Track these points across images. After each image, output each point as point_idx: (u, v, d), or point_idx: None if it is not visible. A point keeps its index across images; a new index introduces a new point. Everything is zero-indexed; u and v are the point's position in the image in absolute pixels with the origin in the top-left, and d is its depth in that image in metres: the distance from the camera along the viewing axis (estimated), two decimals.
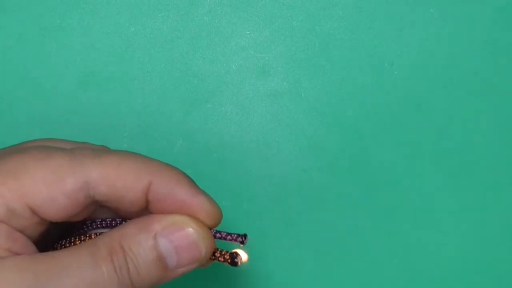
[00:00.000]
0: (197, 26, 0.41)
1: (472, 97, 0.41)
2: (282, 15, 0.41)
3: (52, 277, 0.26)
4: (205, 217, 0.29)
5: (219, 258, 0.29)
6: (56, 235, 0.31)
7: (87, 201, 0.28)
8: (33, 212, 0.28)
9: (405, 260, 0.41)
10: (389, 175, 0.41)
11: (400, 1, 0.41)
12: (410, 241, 0.41)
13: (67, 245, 0.30)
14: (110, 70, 0.41)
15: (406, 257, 0.41)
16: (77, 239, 0.30)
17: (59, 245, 0.30)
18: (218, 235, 0.30)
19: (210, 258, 0.29)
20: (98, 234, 0.29)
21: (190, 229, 0.28)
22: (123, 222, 0.30)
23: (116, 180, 0.28)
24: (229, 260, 0.29)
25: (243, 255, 0.30)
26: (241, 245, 0.30)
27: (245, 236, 0.30)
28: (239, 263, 0.29)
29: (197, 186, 0.29)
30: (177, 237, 0.28)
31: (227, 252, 0.29)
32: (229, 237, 0.30)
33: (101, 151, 0.29)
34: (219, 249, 0.30)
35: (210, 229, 0.29)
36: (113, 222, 0.30)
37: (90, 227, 0.30)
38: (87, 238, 0.29)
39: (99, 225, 0.30)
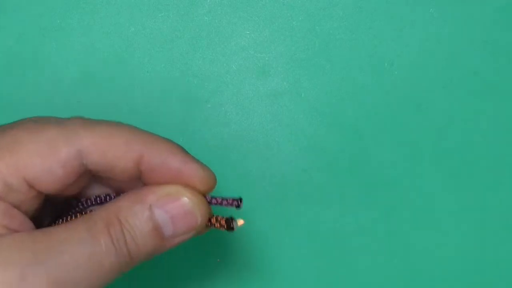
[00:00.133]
0: (197, 26, 0.41)
1: (472, 97, 0.41)
2: (282, 15, 0.41)
3: (51, 254, 0.26)
4: (199, 184, 0.29)
5: (216, 225, 0.30)
6: (52, 215, 0.32)
7: (81, 170, 0.29)
8: (30, 185, 0.28)
9: (405, 260, 0.41)
10: (389, 175, 0.41)
11: (400, 1, 0.41)
12: (410, 241, 0.41)
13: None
14: (110, 70, 0.41)
15: (406, 257, 0.41)
16: (73, 218, 0.30)
17: (55, 224, 0.30)
18: (213, 201, 0.30)
19: (206, 225, 0.30)
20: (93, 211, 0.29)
21: (185, 198, 0.28)
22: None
23: (107, 149, 0.28)
24: (225, 226, 0.30)
25: (240, 220, 0.30)
26: (237, 209, 0.30)
27: (240, 199, 0.30)
28: (235, 228, 0.30)
29: (189, 154, 0.30)
30: (172, 207, 0.28)
31: (223, 218, 0.30)
32: (224, 202, 0.30)
33: (92, 121, 0.29)
34: (215, 215, 0.30)
35: (205, 195, 0.30)
36: (108, 197, 0.30)
37: (85, 205, 0.31)
38: (83, 215, 0.30)
39: (93, 202, 0.31)
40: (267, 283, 0.41)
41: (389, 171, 0.41)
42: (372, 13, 0.41)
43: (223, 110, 0.41)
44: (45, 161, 0.28)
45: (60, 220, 0.30)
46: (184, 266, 0.41)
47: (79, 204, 0.31)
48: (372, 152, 0.41)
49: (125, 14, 0.41)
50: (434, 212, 0.41)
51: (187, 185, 0.29)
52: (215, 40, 0.41)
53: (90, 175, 0.30)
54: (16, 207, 0.28)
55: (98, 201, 0.31)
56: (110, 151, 0.28)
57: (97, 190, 0.32)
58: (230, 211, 0.30)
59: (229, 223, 0.30)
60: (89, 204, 0.31)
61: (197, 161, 0.29)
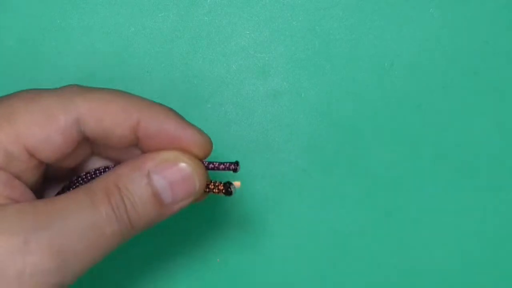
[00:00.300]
0: (197, 26, 0.41)
1: (472, 97, 0.41)
2: (282, 15, 0.41)
3: (53, 221, 0.26)
4: (196, 149, 0.29)
5: (214, 190, 0.30)
6: (56, 192, 0.32)
7: (79, 137, 0.29)
8: (30, 154, 0.28)
9: (405, 260, 0.41)
10: (389, 175, 0.41)
11: (400, 1, 0.41)
12: (410, 241, 0.41)
13: None
14: (110, 70, 0.41)
15: (406, 257, 0.41)
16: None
17: None
18: (211, 165, 0.30)
19: (205, 191, 0.30)
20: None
21: (183, 163, 0.29)
22: None
23: (104, 115, 0.29)
24: (223, 191, 0.30)
25: (236, 182, 0.30)
26: (234, 172, 0.30)
27: (237, 163, 0.30)
28: (233, 192, 0.30)
29: (185, 120, 0.30)
30: (170, 173, 0.28)
31: (221, 183, 0.30)
32: (221, 166, 0.30)
33: (88, 89, 0.30)
34: (213, 181, 0.30)
35: (202, 160, 0.30)
36: (107, 170, 0.31)
37: (85, 179, 0.31)
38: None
39: (93, 176, 0.31)
40: (267, 283, 0.41)
41: (389, 171, 0.41)
42: (372, 13, 0.41)
43: (223, 110, 0.41)
44: (44, 129, 0.28)
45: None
46: (184, 265, 0.41)
47: (79, 178, 0.31)
48: (372, 152, 0.41)
49: (125, 14, 0.41)
50: (434, 212, 0.41)
51: (185, 151, 0.29)
52: (215, 40, 0.41)
53: (89, 145, 0.31)
54: (17, 177, 0.28)
55: (98, 174, 0.31)
56: (107, 118, 0.29)
57: (97, 163, 0.32)
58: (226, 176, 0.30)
59: (227, 188, 0.30)
60: (89, 177, 0.31)
61: (193, 126, 0.30)
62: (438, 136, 0.41)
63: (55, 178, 0.32)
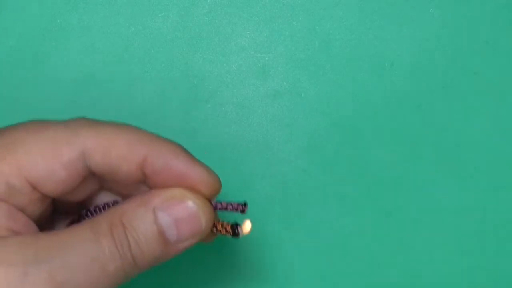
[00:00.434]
0: (197, 26, 0.41)
1: (472, 97, 0.41)
2: (282, 15, 0.41)
3: (54, 254, 0.26)
4: (204, 188, 0.29)
5: (221, 231, 0.29)
6: (64, 221, 0.31)
7: (85, 172, 0.28)
8: (33, 187, 0.27)
9: (405, 260, 0.41)
10: (389, 175, 0.41)
11: (400, 1, 0.41)
12: (410, 241, 0.41)
13: None
14: (110, 70, 0.41)
15: (406, 257, 0.41)
16: None
17: None
18: (219, 205, 0.29)
19: (212, 231, 0.29)
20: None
21: (190, 201, 0.28)
22: None
23: (111, 150, 0.28)
24: (230, 232, 0.29)
25: (247, 225, 0.29)
26: (242, 214, 0.29)
27: (245, 204, 0.29)
28: (240, 234, 0.29)
29: (193, 157, 0.29)
30: (176, 211, 0.28)
31: (228, 223, 0.29)
32: (229, 206, 0.29)
33: (95, 122, 0.29)
34: (221, 221, 0.29)
35: (210, 200, 0.29)
36: (116, 204, 0.30)
37: (94, 213, 0.30)
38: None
39: (102, 210, 0.30)
40: (267, 283, 0.41)
41: (389, 171, 0.41)
42: (372, 13, 0.41)
43: (223, 110, 0.41)
44: (48, 161, 0.27)
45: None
46: (183, 265, 0.41)
47: (88, 212, 0.31)
48: (372, 152, 0.41)
49: (125, 14, 0.41)
50: (434, 212, 0.41)
51: (192, 189, 0.28)
52: (215, 40, 0.41)
53: (96, 180, 0.30)
54: (21, 209, 0.28)
55: (107, 208, 0.30)
56: (113, 152, 0.28)
57: (107, 198, 0.31)
58: (235, 217, 0.30)
59: (234, 229, 0.29)
60: (98, 211, 0.30)
61: (202, 164, 0.29)
62: (438, 136, 0.41)
63: (65, 211, 0.31)
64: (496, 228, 0.42)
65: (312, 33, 0.41)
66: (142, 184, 0.30)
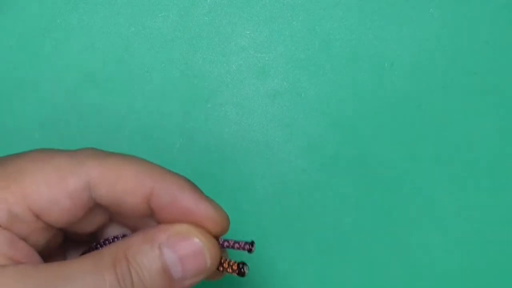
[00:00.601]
0: (197, 26, 0.41)
1: (472, 97, 0.41)
2: (282, 15, 0.41)
3: (54, 286, 0.25)
4: (211, 225, 0.28)
5: (227, 269, 0.29)
6: (77, 253, 0.31)
7: (90, 203, 0.28)
8: (36, 216, 0.27)
9: (405, 260, 0.41)
10: (389, 175, 0.41)
11: (400, 1, 0.41)
12: (410, 241, 0.41)
13: None
14: (110, 70, 0.41)
15: (406, 257, 0.41)
16: None
17: None
18: (225, 243, 0.29)
19: (218, 269, 0.29)
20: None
21: (196, 239, 0.27)
22: None
23: (116, 182, 0.28)
24: (236, 271, 0.29)
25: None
26: (249, 253, 0.29)
27: (252, 243, 0.29)
28: (246, 273, 0.29)
29: (201, 192, 0.29)
30: (182, 247, 0.27)
31: (235, 262, 0.29)
32: (236, 245, 0.29)
33: (102, 153, 0.29)
34: (227, 260, 0.29)
35: (218, 237, 0.29)
36: (125, 237, 0.29)
37: (102, 245, 0.30)
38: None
39: (111, 242, 0.30)
40: (267, 282, 0.41)
41: (389, 171, 0.41)
42: (372, 13, 0.41)
43: (223, 110, 0.41)
44: (52, 191, 0.27)
45: None
46: None
47: (98, 245, 0.30)
48: (372, 152, 0.41)
49: (125, 14, 0.41)
50: (434, 212, 0.41)
51: (199, 225, 0.28)
52: (215, 40, 0.41)
53: (105, 212, 0.30)
54: (24, 238, 0.27)
55: (116, 241, 0.29)
56: (119, 185, 0.28)
57: (117, 231, 0.31)
58: (241, 254, 0.29)
59: (240, 268, 0.28)
60: (106, 244, 0.30)
61: (209, 200, 0.28)
62: (438, 136, 0.41)
63: (78, 242, 0.31)
64: (496, 228, 0.42)
65: (312, 33, 0.41)
66: (149, 218, 0.29)
